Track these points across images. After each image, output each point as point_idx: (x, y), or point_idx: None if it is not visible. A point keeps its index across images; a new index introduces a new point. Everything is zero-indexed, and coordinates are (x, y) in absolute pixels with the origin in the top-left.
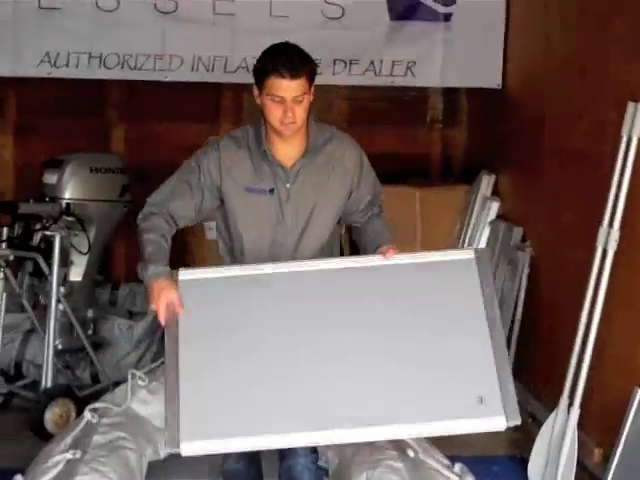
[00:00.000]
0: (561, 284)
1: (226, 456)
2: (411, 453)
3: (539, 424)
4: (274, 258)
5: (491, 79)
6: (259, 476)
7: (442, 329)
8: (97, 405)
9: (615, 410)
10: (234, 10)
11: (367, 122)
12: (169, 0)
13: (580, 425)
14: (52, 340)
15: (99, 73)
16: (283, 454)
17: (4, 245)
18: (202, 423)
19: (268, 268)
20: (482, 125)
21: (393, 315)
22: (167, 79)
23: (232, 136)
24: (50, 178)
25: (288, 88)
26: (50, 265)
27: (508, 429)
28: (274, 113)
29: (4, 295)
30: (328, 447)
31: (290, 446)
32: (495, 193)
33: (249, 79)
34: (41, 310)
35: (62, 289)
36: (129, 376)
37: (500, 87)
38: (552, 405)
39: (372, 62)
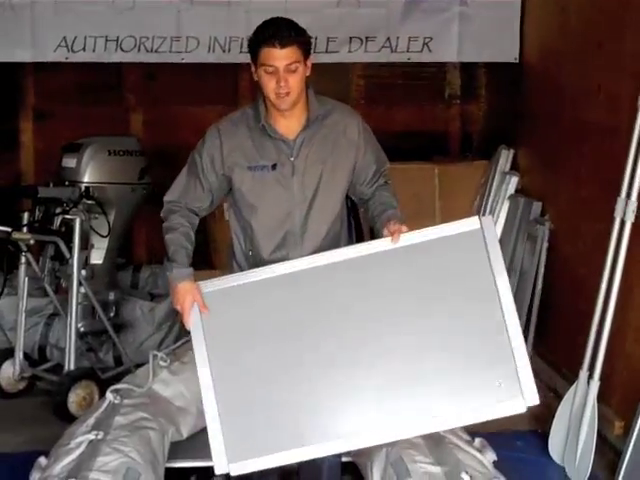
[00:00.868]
0: (580, 257)
1: None
2: None
3: (560, 398)
4: (285, 234)
5: (508, 53)
6: None
7: (455, 313)
8: (119, 386)
9: (635, 382)
10: None
11: (385, 100)
12: None
13: (600, 397)
14: (74, 323)
15: (116, 56)
16: None
17: (25, 229)
18: (245, 441)
19: (282, 269)
20: (500, 100)
21: (407, 304)
22: (184, 61)
23: (230, 118)
24: (69, 162)
25: (279, 56)
26: (71, 249)
27: None
28: (269, 85)
29: (26, 279)
30: None
31: (328, 454)
32: (514, 168)
33: None
34: (63, 294)
35: (83, 272)
36: (150, 357)
37: (517, 61)
38: (573, 378)
39: (388, 39)
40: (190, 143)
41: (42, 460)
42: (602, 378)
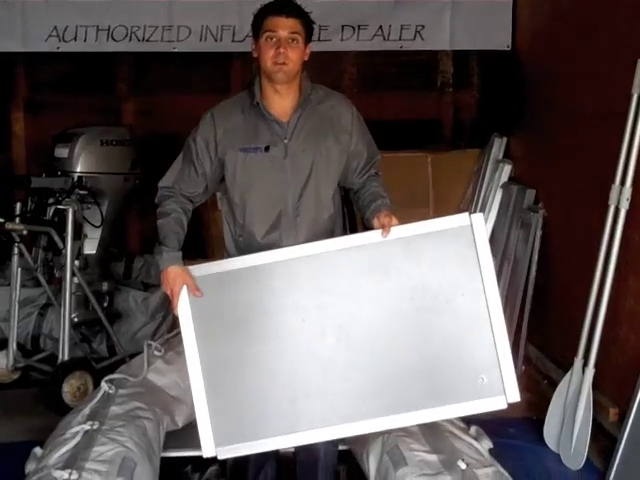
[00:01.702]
0: (574, 244)
1: None
2: None
3: (554, 385)
4: (278, 216)
5: (501, 41)
6: None
7: (441, 309)
8: (114, 376)
9: (630, 369)
10: None
11: (378, 88)
12: None
13: (595, 384)
14: (68, 313)
15: (107, 46)
16: None
17: (18, 220)
18: (233, 426)
19: (273, 256)
20: (493, 88)
21: (395, 298)
22: (175, 50)
23: (224, 103)
24: (61, 152)
25: (283, 25)
26: (64, 239)
27: (522, 392)
28: (268, 53)
29: (19, 270)
30: None
31: (313, 442)
32: (507, 156)
33: None
34: (56, 284)
35: (77, 262)
36: (145, 347)
37: (510, 49)
38: (567, 366)
39: (380, 27)
40: (182, 132)
41: (37, 450)
42: (597, 365)
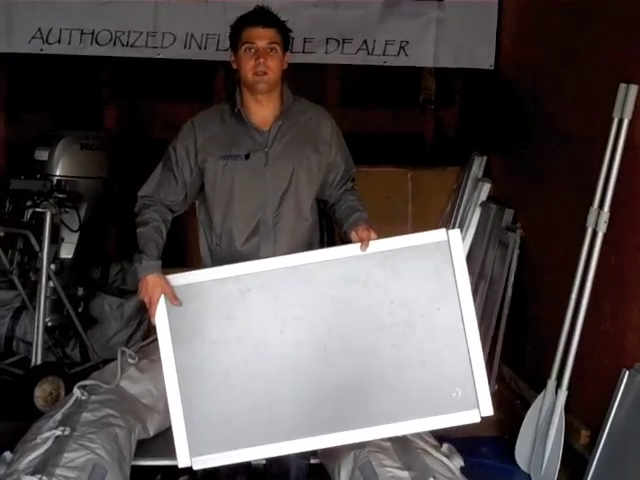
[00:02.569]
0: (551, 266)
1: None
2: None
3: (527, 405)
4: (257, 225)
5: (484, 60)
6: None
7: (417, 323)
8: (86, 382)
9: (603, 392)
10: None
11: (360, 102)
12: None
13: (567, 407)
14: (42, 317)
15: (91, 50)
16: None
17: None
18: (209, 436)
19: (252, 267)
20: (474, 106)
21: (372, 311)
22: (160, 56)
23: (205, 112)
24: (41, 155)
25: (261, 35)
26: (41, 242)
27: (494, 411)
28: (248, 64)
29: None
30: None
31: (289, 452)
32: (487, 174)
33: None
34: (32, 287)
35: (52, 266)
36: (119, 354)
37: (493, 68)
38: (540, 387)
39: (365, 41)
40: (164, 139)
41: (7, 455)
42: (570, 387)
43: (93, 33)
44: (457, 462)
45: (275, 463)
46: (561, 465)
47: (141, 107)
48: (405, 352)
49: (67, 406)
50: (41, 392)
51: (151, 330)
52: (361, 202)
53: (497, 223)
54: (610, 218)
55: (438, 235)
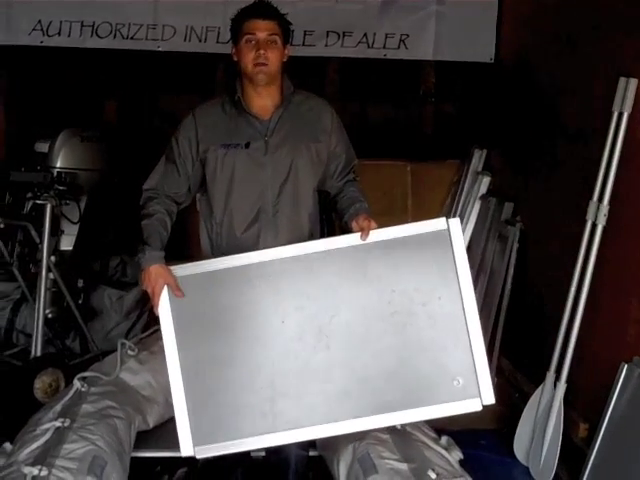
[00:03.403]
0: (550, 259)
1: None
2: (398, 425)
3: (526, 398)
4: (257, 213)
5: (484, 53)
6: None
7: (418, 312)
8: (86, 374)
9: (601, 385)
10: None
11: (360, 95)
12: None
13: (566, 400)
14: (42, 309)
15: (91, 42)
16: None
17: None
18: (212, 426)
19: (253, 258)
20: (474, 100)
21: (373, 301)
22: (160, 49)
23: (205, 103)
24: (41, 147)
25: (261, 27)
26: (41, 234)
27: (493, 404)
28: (248, 55)
29: None
30: None
31: (291, 442)
32: (486, 168)
33: None
34: (32, 279)
35: (53, 258)
36: (118, 346)
37: (493, 61)
38: (539, 379)
39: (365, 34)
40: (164, 132)
41: (7, 446)
42: (568, 380)
43: (93, 25)
44: (456, 455)
45: (274, 454)
46: (559, 458)
47: (141, 100)
48: (406, 341)
49: (67, 398)
50: (41, 384)
51: (151, 322)
52: (362, 193)
53: (497, 216)
54: (610, 211)
55: (438, 224)
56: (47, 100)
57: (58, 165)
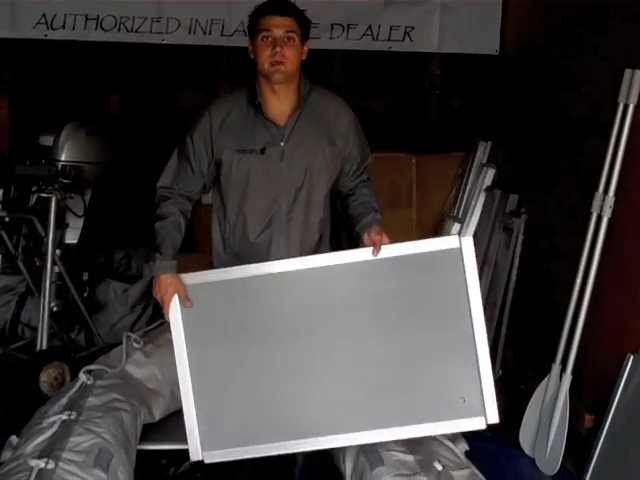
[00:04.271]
0: (556, 251)
1: None
2: None
3: (531, 390)
4: (270, 219)
5: (489, 45)
6: None
7: (427, 328)
8: (92, 367)
9: (607, 376)
10: None
11: (364, 88)
12: None
13: (572, 391)
14: (47, 302)
15: (95, 35)
16: None
17: (0, 206)
18: (221, 432)
19: (264, 269)
20: (479, 92)
21: (380, 315)
22: (164, 42)
23: (223, 100)
24: (46, 140)
25: (278, 23)
26: (46, 227)
27: (498, 396)
28: (264, 53)
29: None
30: None
31: (296, 451)
32: (491, 160)
33: (246, 42)
34: (37, 272)
35: (58, 251)
36: (124, 338)
37: (498, 53)
38: (544, 371)
39: (370, 27)
40: (167, 125)
41: (14, 439)
42: (574, 372)
43: (97, 19)
44: (462, 446)
45: None
46: (565, 449)
47: (145, 93)
48: (413, 358)
49: (73, 391)
50: (46, 377)
51: (156, 315)
52: (375, 198)
53: (501, 208)
54: (615, 203)
55: (451, 242)
56: (51, 94)
57: (63, 158)
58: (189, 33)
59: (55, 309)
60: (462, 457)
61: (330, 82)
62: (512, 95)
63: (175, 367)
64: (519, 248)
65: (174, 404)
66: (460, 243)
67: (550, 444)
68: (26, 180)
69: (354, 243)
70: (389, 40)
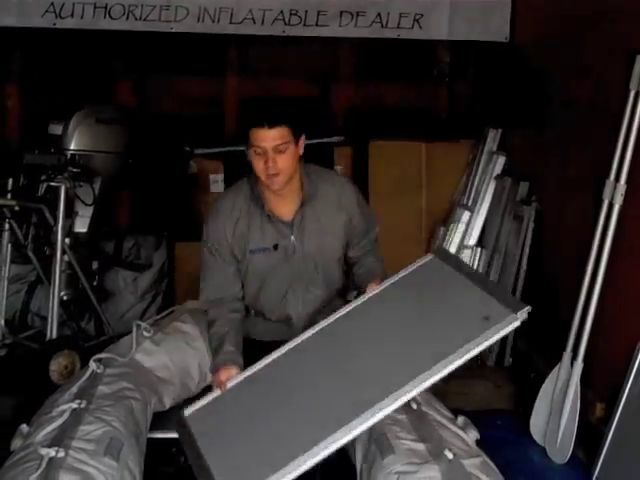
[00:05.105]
0: (566, 238)
1: None
2: (414, 405)
3: (542, 378)
4: (286, 300)
5: (499, 33)
6: None
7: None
8: (102, 356)
9: (618, 365)
10: None
11: (374, 76)
12: None
13: (583, 379)
14: (57, 291)
15: (104, 24)
16: None
17: (9, 195)
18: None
19: (283, 349)
20: (489, 79)
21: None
22: (173, 30)
23: (227, 201)
24: (55, 129)
25: (267, 137)
26: (55, 216)
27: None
28: (258, 166)
29: (9, 246)
30: None
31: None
32: (501, 147)
33: (254, 30)
34: (46, 261)
35: (67, 240)
36: (134, 327)
37: (508, 41)
38: (555, 360)
39: (379, 14)
40: (177, 113)
41: (24, 427)
42: (585, 360)
43: (106, 7)
44: (472, 435)
45: None
46: (576, 438)
47: (154, 81)
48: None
49: (83, 379)
50: (57, 366)
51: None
52: (380, 261)
53: (512, 196)
54: (626, 191)
55: (426, 257)
56: (60, 82)
57: (72, 147)
58: (198, 21)
59: (65, 298)
60: (473, 445)
61: (339, 70)
62: (522, 82)
63: (184, 355)
64: (529, 236)
65: (184, 392)
66: (433, 253)
67: (561, 433)
68: (35, 169)
69: None
70: (398, 27)
